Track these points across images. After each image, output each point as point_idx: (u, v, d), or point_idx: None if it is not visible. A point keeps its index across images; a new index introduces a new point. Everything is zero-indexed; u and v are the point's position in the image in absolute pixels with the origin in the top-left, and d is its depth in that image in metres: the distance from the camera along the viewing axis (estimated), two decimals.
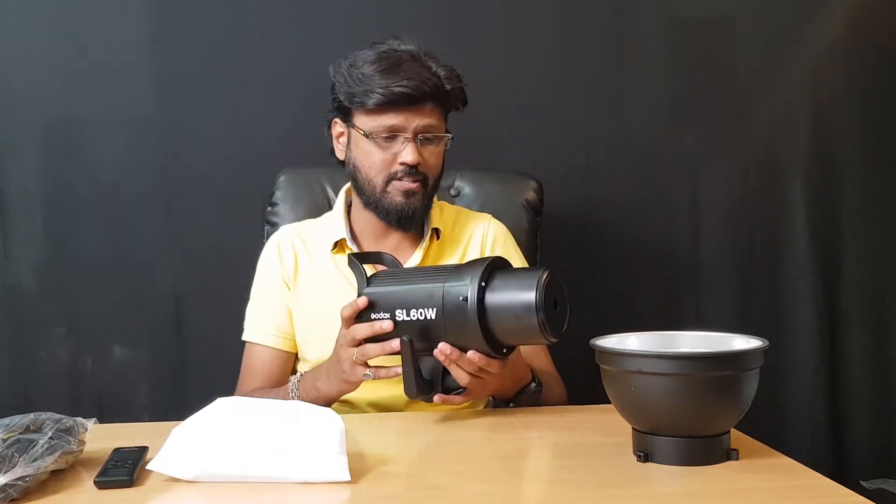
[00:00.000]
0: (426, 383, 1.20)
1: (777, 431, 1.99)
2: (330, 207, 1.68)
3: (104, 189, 1.97)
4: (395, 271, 1.27)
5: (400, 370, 1.18)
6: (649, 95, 2.05)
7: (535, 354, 1.46)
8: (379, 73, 1.38)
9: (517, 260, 1.56)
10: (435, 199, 1.57)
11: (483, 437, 1.20)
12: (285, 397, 1.35)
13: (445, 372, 1.19)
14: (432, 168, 1.44)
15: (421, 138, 1.41)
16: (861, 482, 1.80)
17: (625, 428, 1.03)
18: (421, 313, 1.15)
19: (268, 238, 1.64)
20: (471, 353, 1.14)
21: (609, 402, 1.03)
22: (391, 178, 1.42)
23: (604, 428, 1.13)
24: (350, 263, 1.26)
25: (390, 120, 1.40)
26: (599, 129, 2.03)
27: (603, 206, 2.04)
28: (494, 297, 1.11)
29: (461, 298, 1.11)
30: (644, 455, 0.98)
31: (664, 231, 2.06)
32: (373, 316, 1.19)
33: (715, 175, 2.07)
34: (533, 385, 1.33)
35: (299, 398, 1.32)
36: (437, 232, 1.52)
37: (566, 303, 1.13)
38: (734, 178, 2.07)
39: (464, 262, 1.27)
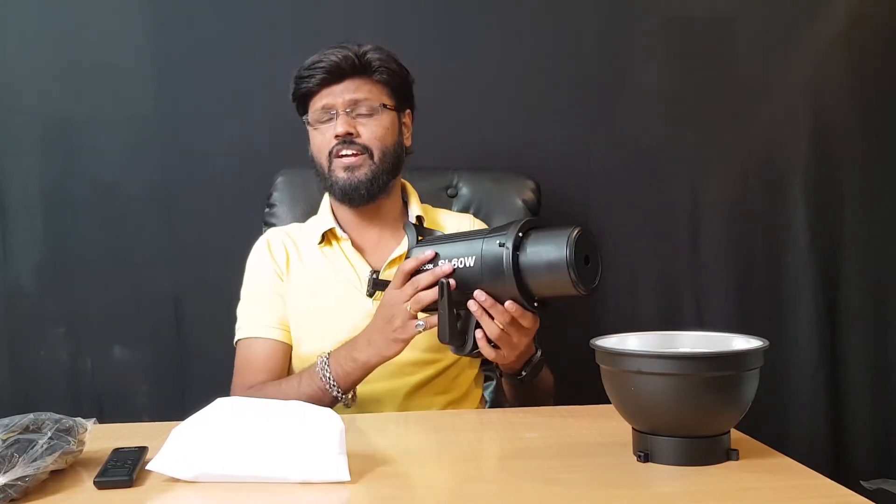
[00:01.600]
0: (459, 333, 1.23)
1: (777, 431, 1.98)
2: None
3: (104, 189, 1.97)
4: (442, 235, 1.32)
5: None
6: (649, 95, 2.05)
7: None
8: (304, 65, 1.49)
9: None
10: (418, 201, 1.59)
11: (483, 437, 1.20)
12: (311, 379, 1.34)
13: (477, 327, 1.22)
14: (374, 139, 1.47)
15: (354, 113, 1.47)
16: (861, 482, 1.80)
17: (625, 428, 1.03)
18: (461, 261, 1.21)
19: None
20: (508, 304, 1.17)
21: (609, 402, 1.03)
22: (332, 155, 1.47)
23: (604, 428, 1.13)
24: (406, 226, 1.34)
25: (320, 101, 1.48)
26: (599, 128, 2.03)
27: (602, 206, 2.03)
28: (530, 248, 1.15)
29: (499, 244, 1.16)
30: (644, 455, 0.98)
31: (664, 231, 2.06)
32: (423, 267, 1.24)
33: (715, 175, 2.07)
34: (538, 354, 1.35)
35: (333, 373, 1.33)
36: (420, 220, 1.55)
37: (598, 258, 1.17)
38: (734, 178, 2.07)
39: None
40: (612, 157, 2.03)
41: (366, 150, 1.47)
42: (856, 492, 0.87)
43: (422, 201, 1.61)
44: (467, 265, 1.20)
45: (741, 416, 0.99)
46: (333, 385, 1.33)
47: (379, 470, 0.99)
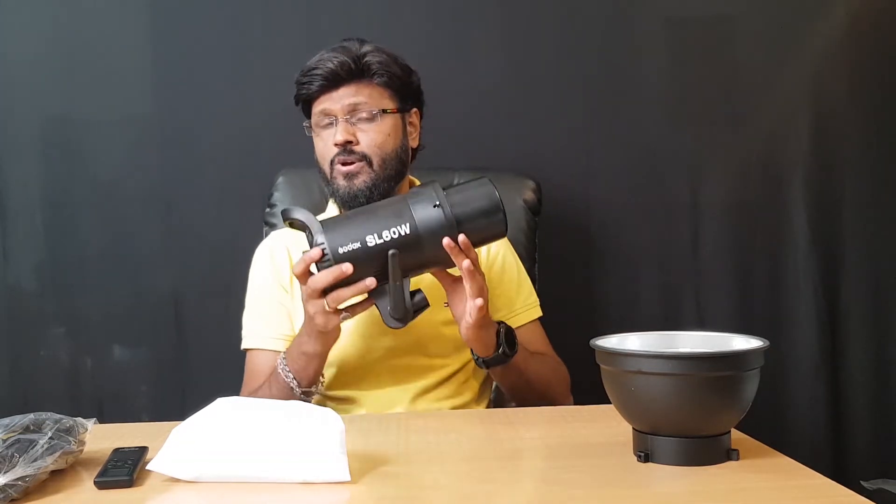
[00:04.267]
0: (406, 306, 1.23)
1: (777, 431, 1.98)
2: None
3: (104, 189, 1.97)
4: (345, 214, 1.28)
5: (373, 300, 1.22)
6: (649, 95, 2.05)
7: (533, 340, 1.49)
8: (303, 70, 1.46)
9: (514, 264, 1.57)
10: None
11: (483, 437, 1.20)
12: (278, 381, 1.34)
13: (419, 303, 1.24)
14: (373, 146, 1.43)
15: (352, 118, 1.43)
16: (861, 482, 1.80)
17: (625, 428, 1.03)
18: (394, 231, 1.19)
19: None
20: (461, 237, 1.19)
21: (609, 402, 1.03)
22: (332, 163, 1.44)
23: (604, 428, 1.13)
24: (291, 223, 1.26)
25: (319, 107, 1.45)
26: (599, 129, 2.03)
27: (602, 206, 2.04)
28: (460, 201, 1.21)
29: (434, 206, 1.19)
30: (644, 455, 0.98)
31: (664, 231, 2.06)
32: (341, 250, 1.19)
33: (715, 175, 2.07)
34: (500, 326, 1.35)
35: (290, 370, 1.32)
36: None
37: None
38: (734, 178, 2.07)
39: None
40: (612, 157, 2.03)
41: (364, 157, 1.42)
42: (856, 492, 0.87)
43: None
44: (402, 233, 1.19)
45: (741, 416, 0.99)
46: (294, 382, 1.32)
47: (379, 470, 0.99)
